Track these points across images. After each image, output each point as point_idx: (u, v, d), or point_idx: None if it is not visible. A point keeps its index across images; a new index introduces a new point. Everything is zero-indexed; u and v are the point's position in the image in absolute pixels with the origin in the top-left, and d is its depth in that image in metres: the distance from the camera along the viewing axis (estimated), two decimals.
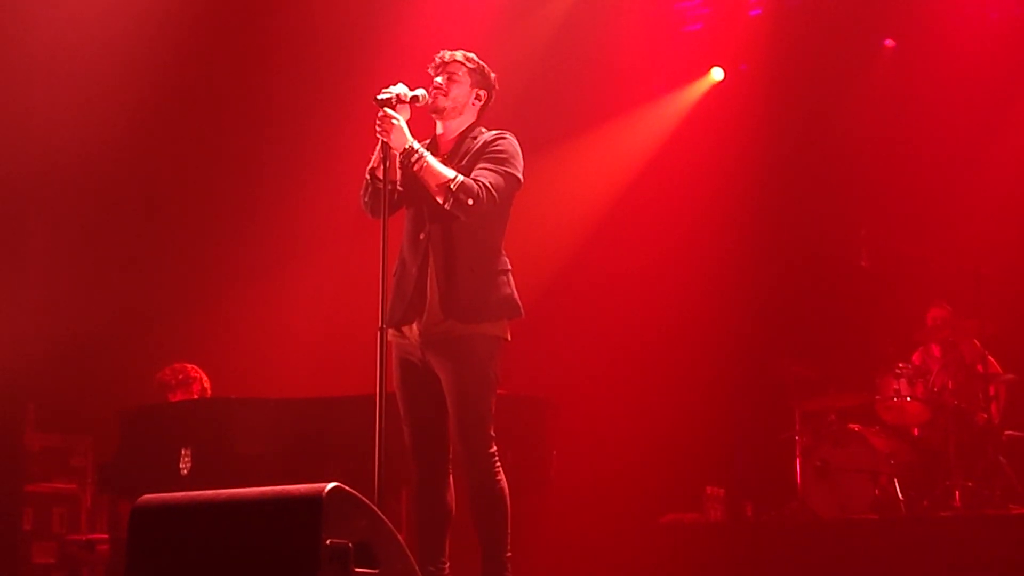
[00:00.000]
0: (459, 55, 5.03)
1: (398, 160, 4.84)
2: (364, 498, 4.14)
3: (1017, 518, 7.58)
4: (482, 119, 5.10)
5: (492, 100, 5.11)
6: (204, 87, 9.42)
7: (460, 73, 5.01)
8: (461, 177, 4.78)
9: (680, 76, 10.73)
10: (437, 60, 5.05)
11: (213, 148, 9.53)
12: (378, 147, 4.83)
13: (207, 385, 7.38)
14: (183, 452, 6.51)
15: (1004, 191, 9.26)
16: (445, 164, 4.85)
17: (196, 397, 7.24)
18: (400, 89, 4.87)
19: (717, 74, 10.67)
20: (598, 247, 10.22)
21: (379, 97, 4.83)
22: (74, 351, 8.69)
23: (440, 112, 5.01)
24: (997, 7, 9.52)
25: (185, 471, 6.44)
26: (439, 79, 5.00)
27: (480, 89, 5.06)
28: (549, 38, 9.95)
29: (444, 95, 4.98)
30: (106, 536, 7.42)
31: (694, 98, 10.68)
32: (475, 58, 5.06)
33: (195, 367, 7.43)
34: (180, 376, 7.33)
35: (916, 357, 8.91)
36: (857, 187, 9.86)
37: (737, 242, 9.96)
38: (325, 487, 3.98)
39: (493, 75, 5.09)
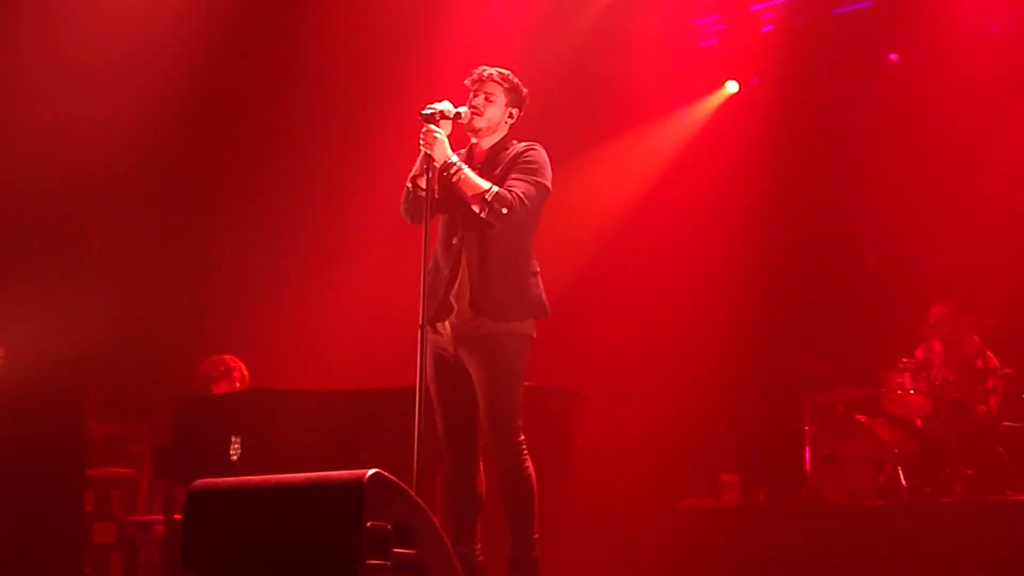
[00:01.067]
0: (496, 74, 5.00)
1: (438, 171, 4.86)
2: (402, 484, 4.17)
3: (1015, 504, 7.57)
4: (513, 132, 5.09)
5: (523, 114, 5.11)
6: (265, 98, 9.44)
7: (496, 93, 4.99)
8: (496, 188, 4.79)
9: (698, 88, 10.74)
10: (475, 75, 5.03)
11: (267, 153, 9.58)
12: (420, 158, 4.84)
13: (245, 374, 7.38)
14: (233, 440, 6.54)
15: (1003, 195, 9.22)
16: (480, 175, 4.85)
17: (237, 386, 7.26)
18: (444, 106, 4.86)
19: (732, 86, 10.66)
20: (621, 248, 10.21)
21: (423, 112, 4.83)
22: (133, 344, 8.73)
23: (476, 132, 5.01)
24: (996, 23, 9.47)
25: (235, 458, 6.48)
26: (477, 100, 4.99)
27: (513, 107, 5.04)
28: (576, 52, 9.97)
29: (480, 115, 4.97)
30: (162, 517, 7.46)
31: (711, 109, 10.68)
32: (511, 76, 5.02)
33: (232, 357, 7.44)
34: (221, 368, 7.35)
35: (919, 352, 8.88)
36: (863, 191, 9.84)
37: (751, 243, 9.96)
38: (366, 473, 4.01)
39: (526, 91, 5.07)
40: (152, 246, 9.18)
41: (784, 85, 10.22)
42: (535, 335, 4.95)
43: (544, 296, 4.96)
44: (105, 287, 8.88)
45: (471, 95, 5.01)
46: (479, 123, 4.99)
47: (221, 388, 7.27)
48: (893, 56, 10.00)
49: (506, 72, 5.04)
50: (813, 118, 10.10)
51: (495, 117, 5.01)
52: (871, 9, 9.77)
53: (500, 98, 5.00)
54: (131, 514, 8.55)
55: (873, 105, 9.85)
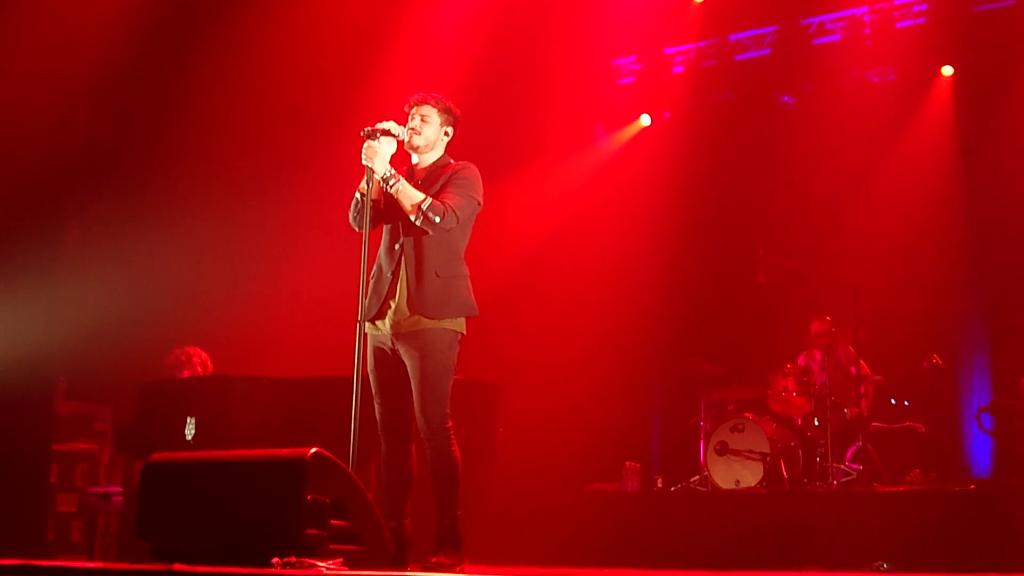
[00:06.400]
0: (430, 98, 5.01)
1: (380, 183, 4.83)
2: (340, 462, 4.13)
3: (880, 495, 7.65)
4: (450, 149, 5.10)
5: (457, 131, 5.10)
6: (229, 109, 9.31)
7: (431, 115, 5.00)
8: (430, 199, 4.80)
9: (615, 121, 10.81)
10: (412, 100, 5.03)
11: (228, 162, 9.46)
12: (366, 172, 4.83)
13: (207, 361, 7.32)
14: (188, 420, 6.46)
15: (877, 223, 9.37)
16: (420, 189, 4.85)
17: (200, 372, 7.20)
18: (386, 125, 4.85)
19: (645, 120, 10.74)
20: (544, 259, 10.21)
21: (364, 130, 4.83)
22: (100, 331, 8.57)
23: (415, 149, 5.02)
24: (875, 72, 9.64)
25: (189, 437, 6.39)
26: (414, 122, 4.98)
27: (447, 126, 5.05)
28: (510, 83, 9.99)
29: (418, 135, 4.98)
30: (120, 489, 7.35)
31: (626, 138, 10.75)
32: (443, 99, 5.03)
33: (194, 348, 7.36)
34: (183, 357, 7.28)
35: (801, 359, 8.97)
36: (757, 216, 9.95)
37: (658, 259, 9.99)
38: (308, 451, 3.98)
39: (458, 112, 5.07)
40: (119, 243, 9.03)
41: (691, 120, 10.33)
42: (464, 332, 4.93)
43: (473, 298, 4.96)
44: (76, 281, 8.74)
45: (409, 118, 5.01)
46: (417, 141, 4.99)
47: (184, 376, 7.18)
48: (786, 98, 10.13)
49: (438, 96, 5.04)
50: (715, 150, 10.21)
51: (431, 136, 5.01)
52: (769, 57, 9.89)
53: (435, 119, 5.01)
54: (92, 485, 8.40)
55: (768, 141, 9.96)
